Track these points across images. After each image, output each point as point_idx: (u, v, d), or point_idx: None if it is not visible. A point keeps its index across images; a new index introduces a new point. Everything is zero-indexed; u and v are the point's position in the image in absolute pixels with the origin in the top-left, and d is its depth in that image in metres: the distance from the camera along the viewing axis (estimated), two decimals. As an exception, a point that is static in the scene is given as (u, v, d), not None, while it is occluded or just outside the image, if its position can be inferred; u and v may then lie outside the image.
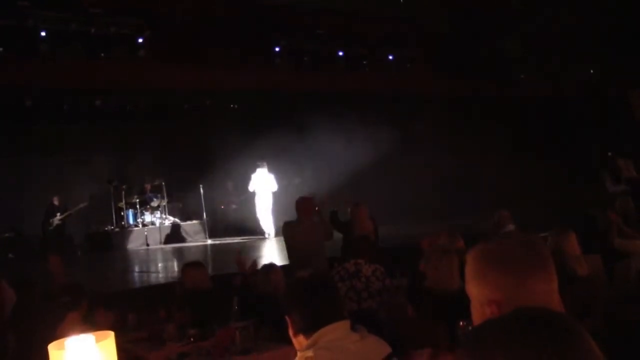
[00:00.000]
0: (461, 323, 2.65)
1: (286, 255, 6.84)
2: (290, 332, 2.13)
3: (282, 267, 5.58)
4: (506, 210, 8.26)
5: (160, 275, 9.39)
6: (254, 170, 11.72)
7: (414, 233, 9.92)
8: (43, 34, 9.98)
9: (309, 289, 2.19)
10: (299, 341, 2.09)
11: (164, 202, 12.76)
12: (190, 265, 5.48)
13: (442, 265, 4.15)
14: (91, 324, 3.93)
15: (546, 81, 14.44)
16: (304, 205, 6.64)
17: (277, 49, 12.14)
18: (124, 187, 12.30)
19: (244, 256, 5.40)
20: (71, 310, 4.16)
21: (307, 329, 2.05)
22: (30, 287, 5.20)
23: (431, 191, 12.88)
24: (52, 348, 1.58)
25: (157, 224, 12.55)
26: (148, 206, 12.61)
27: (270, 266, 5.31)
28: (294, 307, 2.11)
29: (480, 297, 1.46)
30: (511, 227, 7.90)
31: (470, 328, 1.85)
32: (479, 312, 1.45)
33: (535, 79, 14.38)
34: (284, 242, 6.93)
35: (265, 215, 11.83)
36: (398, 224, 10.99)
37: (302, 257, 6.30)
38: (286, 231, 6.77)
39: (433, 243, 5.19)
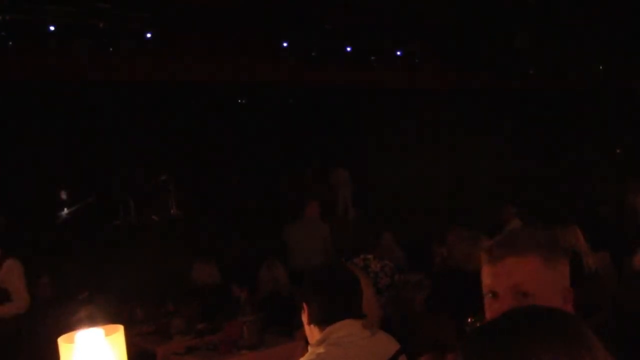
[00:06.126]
0: (470, 319, 2.62)
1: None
2: (304, 320, 2.11)
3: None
4: (511, 204, 8.31)
5: (168, 269, 9.39)
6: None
7: (417, 229, 9.95)
8: (52, 28, 10.00)
9: (337, 281, 2.15)
10: (312, 331, 2.07)
11: (172, 197, 12.78)
12: (200, 260, 5.52)
13: (468, 246, 4.22)
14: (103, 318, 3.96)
15: (555, 75, 14.36)
16: (309, 206, 6.77)
17: (284, 44, 12.12)
18: (131, 181, 12.32)
19: None
20: (87, 304, 4.21)
21: (323, 322, 2.03)
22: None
23: (436, 186, 12.84)
24: (62, 341, 1.58)
25: (165, 219, 12.57)
26: (155, 200, 12.63)
27: (274, 262, 5.33)
28: (315, 297, 2.08)
29: (560, 284, 1.45)
30: (516, 221, 7.94)
31: (478, 324, 1.82)
32: (551, 303, 1.40)
33: (544, 72, 14.31)
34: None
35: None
36: (400, 220, 10.98)
37: (301, 256, 6.35)
38: (286, 231, 6.85)
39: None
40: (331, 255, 6.60)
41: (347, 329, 2.02)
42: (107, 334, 1.58)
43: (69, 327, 1.64)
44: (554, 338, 0.92)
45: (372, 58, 13.08)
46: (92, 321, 1.72)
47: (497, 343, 0.93)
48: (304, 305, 2.08)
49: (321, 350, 1.95)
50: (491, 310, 1.48)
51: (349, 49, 12.63)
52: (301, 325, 2.16)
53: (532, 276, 1.43)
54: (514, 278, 1.44)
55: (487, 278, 1.50)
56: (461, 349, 0.97)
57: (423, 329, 3.78)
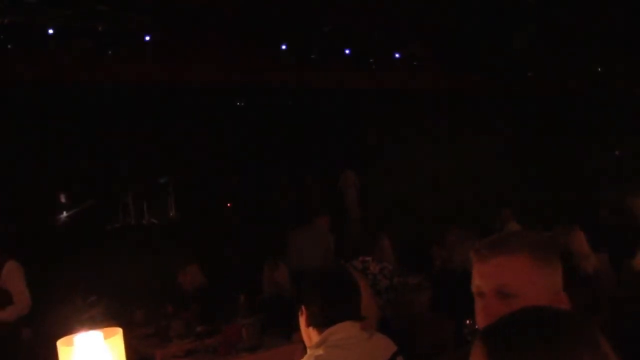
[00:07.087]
0: (468, 321, 2.61)
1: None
2: (302, 323, 2.10)
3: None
4: (510, 207, 8.33)
5: (167, 272, 9.38)
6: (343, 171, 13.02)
7: (417, 230, 9.95)
8: (51, 31, 10.01)
9: (336, 284, 2.14)
10: (309, 334, 2.07)
11: (171, 199, 12.77)
12: (184, 265, 5.58)
13: (468, 248, 4.22)
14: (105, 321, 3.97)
15: (554, 77, 14.37)
16: (320, 219, 6.92)
17: (284, 47, 12.12)
18: (130, 183, 12.32)
19: None
20: (93, 308, 4.23)
21: (322, 324, 2.03)
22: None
23: (436, 188, 12.85)
24: (61, 344, 1.58)
25: (164, 221, 12.57)
26: (155, 203, 12.62)
27: (276, 264, 5.32)
28: (314, 299, 2.07)
29: (551, 287, 1.42)
30: (514, 224, 7.95)
31: (476, 327, 1.81)
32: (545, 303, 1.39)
33: (543, 75, 14.32)
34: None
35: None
36: (400, 222, 10.97)
37: (300, 261, 6.39)
38: (290, 234, 6.88)
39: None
40: (330, 261, 6.64)
41: (346, 331, 2.01)
42: (106, 337, 1.58)
43: (74, 329, 1.64)
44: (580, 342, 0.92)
45: (371, 60, 13.09)
46: (96, 323, 1.73)
47: (542, 343, 0.90)
48: (303, 308, 2.08)
49: (320, 352, 1.96)
50: (477, 310, 1.45)
51: (348, 51, 12.65)
52: (299, 327, 2.15)
53: (518, 277, 1.40)
54: (499, 278, 1.41)
55: (475, 278, 1.48)
56: (485, 346, 0.93)
57: (422, 330, 3.78)
